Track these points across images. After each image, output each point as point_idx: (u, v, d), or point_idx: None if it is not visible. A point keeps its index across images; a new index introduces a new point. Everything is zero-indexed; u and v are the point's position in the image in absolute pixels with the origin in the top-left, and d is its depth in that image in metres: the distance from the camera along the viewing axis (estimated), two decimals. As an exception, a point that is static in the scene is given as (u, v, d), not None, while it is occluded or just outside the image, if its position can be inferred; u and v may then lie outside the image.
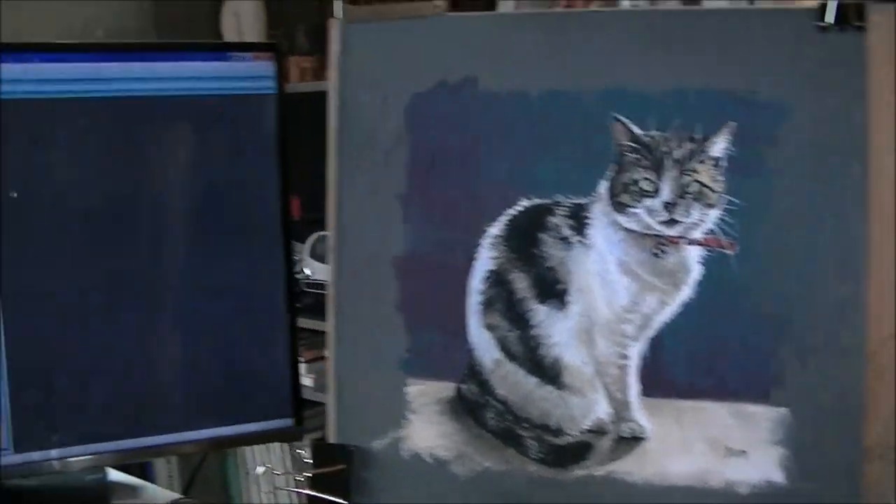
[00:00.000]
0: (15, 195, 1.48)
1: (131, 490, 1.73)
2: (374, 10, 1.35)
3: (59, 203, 1.55)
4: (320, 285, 2.20)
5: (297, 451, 1.28)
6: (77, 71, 1.56)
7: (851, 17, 1.19)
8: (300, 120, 1.65)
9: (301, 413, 1.67)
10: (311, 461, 1.34)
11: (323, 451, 1.38)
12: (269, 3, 2.49)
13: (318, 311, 1.65)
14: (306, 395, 1.71)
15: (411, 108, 1.35)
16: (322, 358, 2.22)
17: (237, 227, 1.62)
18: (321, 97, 2.07)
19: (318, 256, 2.22)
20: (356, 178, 1.37)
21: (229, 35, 2.49)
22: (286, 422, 1.68)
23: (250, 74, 1.63)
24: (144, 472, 2.37)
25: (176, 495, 1.75)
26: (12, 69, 1.51)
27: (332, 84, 1.37)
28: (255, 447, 2.46)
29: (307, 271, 2.58)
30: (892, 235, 1.20)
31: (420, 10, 1.34)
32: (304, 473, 1.32)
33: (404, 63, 1.36)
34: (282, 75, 1.65)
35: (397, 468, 1.37)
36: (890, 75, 1.19)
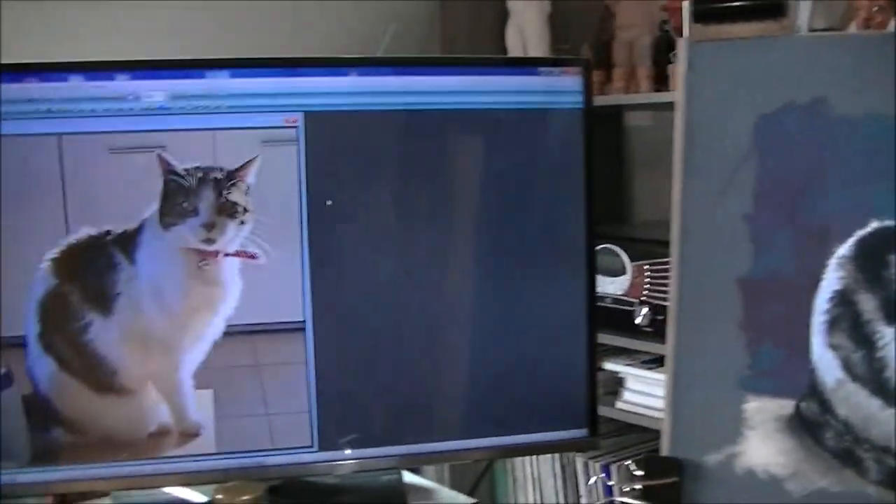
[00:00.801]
0: (330, 203, 1.52)
1: (426, 492, 1.77)
2: (722, 30, 1.36)
3: (366, 214, 1.58)
4: (601, 298, 2.22)
5: (624, 462, 1.29)
6: (387, 84, 1.63)
7: None
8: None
9: (596, 424, 1.67)
10: (642, 473, 1.34)
11: (654, 464, 1.39)
12: (554, 18, 2.51)
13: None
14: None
15: (759, 127, 1.36)
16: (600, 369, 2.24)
17: (541, 240, 1.67)
18: (606, 112, 2.08)
19: (600, 270, 2.24)
20: (702, 196, 1.37)
21: (513, 50, 2.52)
22: (581, 432, 1.69)
23: (558, 89, 1.65)
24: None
25: (470, 500, 1.77)
26: (328, 83, 1.59)
27: (678, 103, 1.38)
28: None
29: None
30: None
31: (768, 29, 1.34)
32: (635, 485, 1.32)
33: (751, 82, 1.36)
34: (589, 90, 1.65)
35: (730, 483, 1.38)
36: None
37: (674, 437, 1.38)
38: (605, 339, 2.22)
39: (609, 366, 2.33)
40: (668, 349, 1.38)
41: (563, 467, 2.41)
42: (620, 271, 2.27)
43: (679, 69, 1.37)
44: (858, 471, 1.32)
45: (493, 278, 1.65)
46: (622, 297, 2.27)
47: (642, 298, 2.24)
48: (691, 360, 1.37)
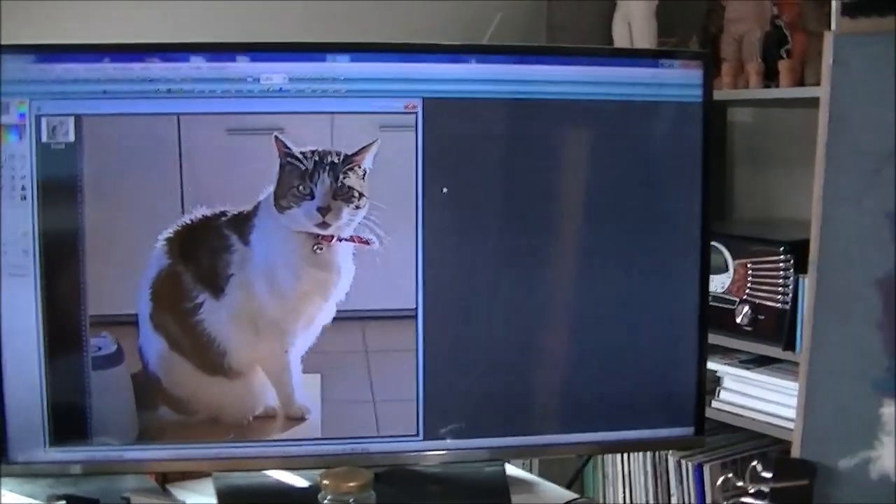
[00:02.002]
0: (445, 191, 1.50)
1: (528, 485, 1.75)
2: (870, 23, 1.32)
3: (478, 203, 1.57)
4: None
5: (753, 464, 1.26)
6: (507, 72, 1.62)
7: None
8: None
9: (703, 423, 1.64)
10: (772, 475, 1.30)
11: (785, 466, 1.36)
12: (660, 11, 2.48)
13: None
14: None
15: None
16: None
17: (655, 235, 1.64)
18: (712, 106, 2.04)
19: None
20: (843, 194, 1.34)
21: (620, 42, 2.49)
22: (687, 430, 1.66)
23: (677, 82, 1.62)
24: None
25: (571, 494, 1.75)
26: (447, 70, 1.60)
27: (823, 97, 1.35)
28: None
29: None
30: None
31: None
32: (763, 486, 1.29)
33: (896, 78, 1.32)
34: (709, 84, 1.62)
35: (864, 489, 1.34)
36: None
37: (805, 438, 1.35)
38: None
39: (708, 364, 2.28)
40: (802, 349, 1.36)
41: (654, 465, 2.37)
42: (723, 269, 2.23)
43: (825, 62, 1.33)
44: None
45: (603, 272, 1.64)
46: (723, 296, 2.23)
47: (743, 297, 2.20)
48: (826, 360, 1.34)
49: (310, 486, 1.57)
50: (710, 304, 2.18)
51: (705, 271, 1.65)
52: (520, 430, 1.66)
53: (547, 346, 1.66)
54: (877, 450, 1.33)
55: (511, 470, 1.76)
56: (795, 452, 1.36)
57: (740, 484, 1.26)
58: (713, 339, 2.24)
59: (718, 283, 2.25)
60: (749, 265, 2.21)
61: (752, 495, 1.32)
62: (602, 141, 1.65)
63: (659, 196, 1.65)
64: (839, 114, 1.34)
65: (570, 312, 1.66)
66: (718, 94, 2.34)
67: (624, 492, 2.46)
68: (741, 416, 2.27)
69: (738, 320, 2.21)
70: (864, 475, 1.33)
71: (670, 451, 2.34)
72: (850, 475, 1.34)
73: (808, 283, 1.36)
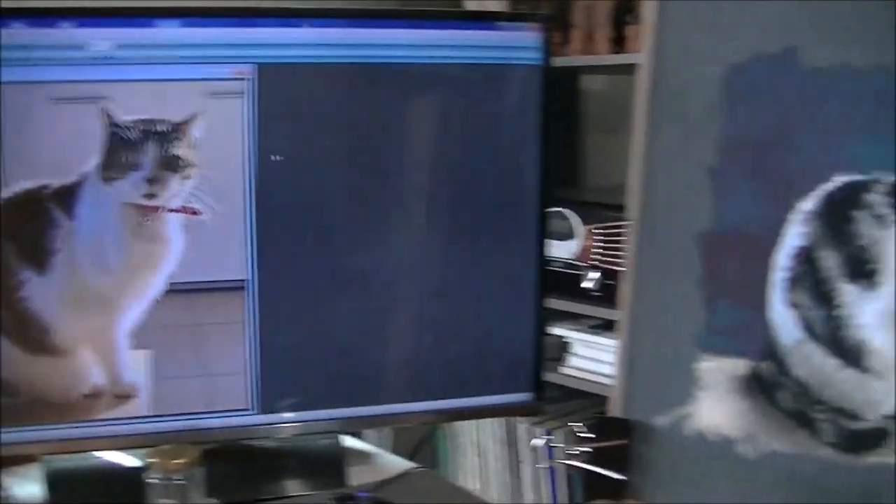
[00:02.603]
0: (277, 159, 1.48)
1: (365, 456, 1.74)
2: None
3: (313, 170, 1.53)
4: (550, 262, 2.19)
5: (572, 424, 1.27)
6: (340, 36, 1.60)
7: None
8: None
9: (542, 389, 1.65)
10: (591, 435, 1.31)
11: (604, 426, 1.36)
12: None
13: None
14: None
15: (726, 79, 1.33)
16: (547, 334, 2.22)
17: (493, 200, 1.63)
18: (563, 74, 2.04)
19: (551, 233, 2.22)
20: (664, 151, 1.35)
21: (470, 4, 2.47)
22: (526, 396, 1.67)
23: (517, 45, 1.62)
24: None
25: (409, 464, 1.74)
26: (280, 34, 1.55)
27: (646, 55, 1.35)
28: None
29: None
30: None
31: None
32: (583, 447, 1.29)
33: (720, 34, 1.34)
34: (549, 47, 1.62)
35: (681, 445, 1.36)
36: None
37: (624, 397, 1.36)
38: (552, 303, 2.19)
39: (556, 330, 2.30)
40: (622, 306, 1.35)
41: (507, 433, 2.38)
42: (570, 235, 2.24)
43: (647, 20, 1.33)
44: (812, 433, 1.31)
45: (442, 238, 1.63)
46: (571, 261, 2.24)
47: (592, 262, 2.21)
48: (646, 318, 1.35)
49: (141, 465, 1.52)
50: (559, 270, 2.20)
51: (542, 237, 1.64)
52: (360, 400, 1.65)
53: (387, 315, 1.64)
54: (692, 406, 1.34)
55: (349, 442, 1.73)
56: (615, 411, 1.36)
57: (556, 446, 1.25)
58: (563, 305, 2.26)
59: (567, 250, 2.25)
60: (597, 231, 2.22)
61: (572, 457, 1.31)
62: (445, 106, 1.64)
63: (500, 162, 1.65)
64: (661, 70, 1.34)
65: (410, 280, 1.64)
66: (568, 61, 2.35)
67: (477, 459, 2.46)
68: (591, 381, 2.28)
69: (587, 286, 2.22)
70: (680, 432, 1.34)
71: (519, 419, 2.34)
72: (666, 433, 1.35)
73: (629, 240, 1.36)
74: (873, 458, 1.28)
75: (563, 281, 2.24)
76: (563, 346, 2.31)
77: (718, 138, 1.33)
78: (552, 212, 2.18)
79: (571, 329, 2.31)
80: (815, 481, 1.30)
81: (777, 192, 1.30)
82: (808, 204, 1.29)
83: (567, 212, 2.24)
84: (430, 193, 1.62)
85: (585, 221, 2.23)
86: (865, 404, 1.28)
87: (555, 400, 2.37)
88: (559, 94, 2.58)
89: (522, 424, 2.34)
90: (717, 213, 1.32)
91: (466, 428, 2.49)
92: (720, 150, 1.33)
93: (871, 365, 1.28)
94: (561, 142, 2.64)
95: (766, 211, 1.31)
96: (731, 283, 1.32)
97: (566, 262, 2.25)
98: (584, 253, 2.23)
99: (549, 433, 2.26)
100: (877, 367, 1.28)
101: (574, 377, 2.30)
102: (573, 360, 2.30)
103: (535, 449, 2.23)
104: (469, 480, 2.51)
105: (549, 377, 2.22)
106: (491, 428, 2.43)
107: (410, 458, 1.82)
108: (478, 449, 2.46)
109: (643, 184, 1.36)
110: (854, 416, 1.29)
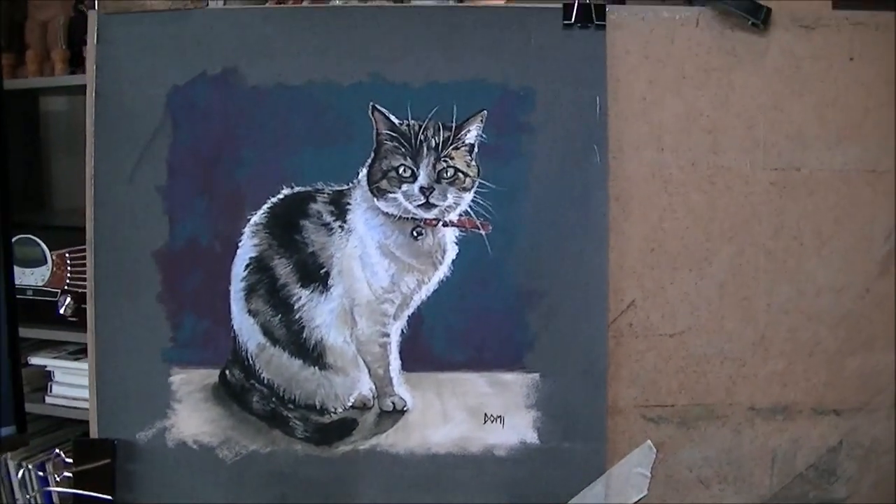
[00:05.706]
0: None
1: None
2: (134, 4, 1.36)
3: None
4: (22, 291, 2.13)
5: (57, 449, 1.27)
6: None
7: (593, 16, 1.35)
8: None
9: (24, 421, 1.61)
10: (73, 459, 1.31)
11: (85, 449, 1.37)
12: None
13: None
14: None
15: (172, 99, 1.37)
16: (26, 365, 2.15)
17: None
18: (20, 96, 2.01)
19: (19, 260, 2.15)
20: (114, 174, 1.37)
21: None
22: (9, 430, 1.62)
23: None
24: None
25: None
26: None
27: (89, 76, 1.36)
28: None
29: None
30: (631, 217, 1.37)
31: (181, 2, 1.36)
32: (66, 472, 1.29)
33: (165, 55, 1.38)
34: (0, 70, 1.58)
35: (163, 458, 1.39)
36: (637, 70, 1.36)
37: (101, 418, 1.36)
38: (29, 332, 2.13)
39: (35, 360, 2.23)
40: (88, 328, 1.35)
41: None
42: (41, 261, 2.18)
43: (90, 41, 1.34)
44: (286, 430, 1.38)
45: None
46: (44, 288, 2.18)
47: (65, 288, 2.17)
48: (114, 338, 1.36)
49: None
50: (34, 298, 2.13)
51: (9, 267, 1.57)
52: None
53: None
54: (170, 418, 1.37)
55: None
56: (94, 433, 1.36)
57: (41, 473, 1.23)
58: (41, 333, 2.19)
59: (39, 276, 2.19)
60: (67, 256, 2.17)
61: (60, 484, 1.29)
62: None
63: None
64: (106, 93, 1.35)
65: None
66: (25, 83, 2.28)
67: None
68: (76, 407, 2.23)
69: (62, 312, 2.17)
70: (162, 445, 1.37)
71: (8, 455, 2.24)
72: (149, 447, 1.37)
73: (87, 263, 1.36)
74: (344, 447, 1.37)
75: (38, 309, 2.17)
76: (46, 375, 2.23)
77: (166, 157, 1.36)
78: (20, 238, 2.11)
79: (53, 357, 2.24)
80: (294, 475, 1.38)
81: (229, 205, 1.36)
82: (257, 216, 1.35)
83: (35, 237, 2.17)
84: None
85: (55, 246, 2.17)
86: (330, 398, 1.37)
87: (46, 431, 2.29)
88: (19, 117, 2.51)
89: (13, 462, 2.24)
90: (171, 230, 1.36)
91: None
92: (169, 169, 1.36)
93: (330, 362, 1.37)
94: (24, 165, 2.56)
95: (220, 225, 1.36)
96: (192, 297, 1.36)
97: (39, 290, 2.18)
98: (56, 279, 2.17)
99: (42, 466, 2.18)
100: (336, 364, 1.37)
101: (60, 406, 2.24)
102: (57, 389, 2.24)
103: (23, 481, 2.15)
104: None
105: (37, 408, 2.15)
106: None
107: None
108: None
109: (97, 205, 1.36)
110: (322, 411, 1.37)
